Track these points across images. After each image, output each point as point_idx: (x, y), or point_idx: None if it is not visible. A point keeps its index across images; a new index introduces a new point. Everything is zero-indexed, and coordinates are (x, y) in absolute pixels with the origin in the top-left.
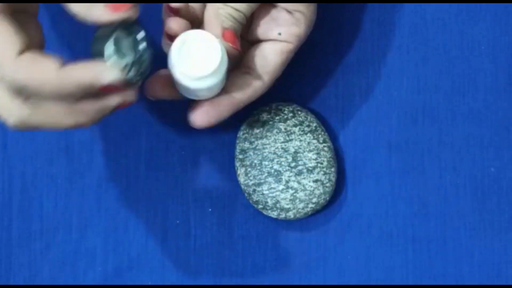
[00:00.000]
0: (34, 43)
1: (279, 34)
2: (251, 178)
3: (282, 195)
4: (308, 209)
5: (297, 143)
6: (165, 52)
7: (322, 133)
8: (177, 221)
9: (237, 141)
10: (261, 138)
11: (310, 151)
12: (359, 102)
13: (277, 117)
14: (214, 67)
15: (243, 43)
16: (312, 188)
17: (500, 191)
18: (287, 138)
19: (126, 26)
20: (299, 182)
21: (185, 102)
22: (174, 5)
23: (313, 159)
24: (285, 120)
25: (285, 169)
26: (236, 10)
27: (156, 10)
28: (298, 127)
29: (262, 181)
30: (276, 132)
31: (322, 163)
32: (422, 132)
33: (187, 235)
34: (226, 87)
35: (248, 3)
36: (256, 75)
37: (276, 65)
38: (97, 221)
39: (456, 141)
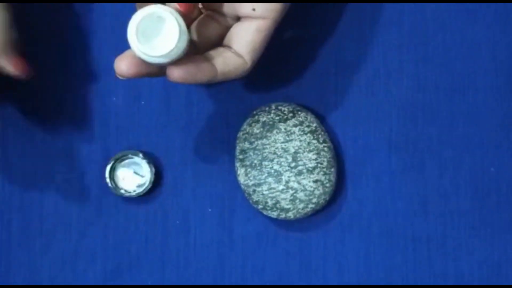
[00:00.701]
0: None
1: (253, 10)
2: (251, 178)
3: (282, 195)
4: (308, 209)
5: (297, 143)
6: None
7: (322, 133)
8: (177, 221)
9: (237, 141)
10: (261, 138)
11: (310, 151)
12: (359, 101)
13: (277, 117)
14: (172, 46)
15: (221, 18)
16: (312, 188)
17: (499, 190)
18: (287, 138)
19: None
20: (299, 182)
21: (185, 102)
22: None
23: (313, 159)
24: (285, 120)
25: (285, 169)
26: None
27: None
28: (298, 127)
29: (262, 181)
30: (276, 132)
31: (322, 163)
32: (422, 132)
33: (187, 235)
34: (209, 56)
35: None
36: (237, 53)
37: (254, 45)
38: (96, 221)
39: (456, 141)
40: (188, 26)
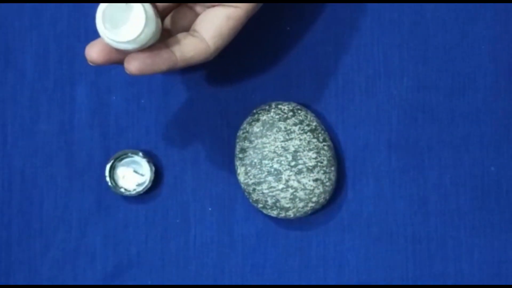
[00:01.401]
0: None
1: None
2: (251, 177)
3: (282, 194)
4: (308, 208)
5: (297, 142)
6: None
7: (322, 132)
8: (177, 220)
9: (237, 140)
10: (261, 137)
11: (310, 150)
12: (359, 101)
13: (277, 116)
14: (138, 31)
15: (198, 7)
16: (312, 187)
17: (500, 190)
18: (287, 137)
19: None
20: (299, 181)
21: (185, 100)
22: None
23: (313, 158)
24: (285, 119)
25: (285, 168)
26: None
27: None
28: (298, 126)
29: (262, 180)
30: (276, 131)
31: (322, 162)
32: (422, 132)
33: (187, 234)
34: (169, 43)
35: None
36: (201, 38)
37: (221, 30)
38: (97, 220)
39: (456, 141)
40: (164, 15)
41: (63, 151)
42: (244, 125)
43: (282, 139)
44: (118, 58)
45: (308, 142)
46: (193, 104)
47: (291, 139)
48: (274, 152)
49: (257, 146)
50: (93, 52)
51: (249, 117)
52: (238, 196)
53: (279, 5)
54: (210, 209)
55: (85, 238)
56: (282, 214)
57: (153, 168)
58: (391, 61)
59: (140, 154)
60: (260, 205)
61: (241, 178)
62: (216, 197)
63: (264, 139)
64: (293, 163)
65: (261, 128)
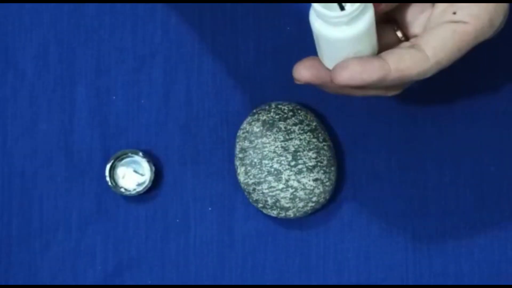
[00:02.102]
0: None
1: (454, 13)
2: (251, 177)
3: (282, 194)
4: (308, 208)
5: (297, 142)
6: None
7: (322, 132)
8: (177, 220)
9: (237, 140)
10: (261, 137)
11: (310, 150)
12: (359, 101)
13: (277, 116)
14: (355, 9)
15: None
16: (312, 187)
17: (499, 189)
18: (287, 137)
19: None
20: (299, 181)
21: (185, 100)
22: None
23: (313, 158)
24: (285, 119)
25: (285, 168)
26: None
27: None
28: (298, 126)
29: (262, 180)
30: (276, 131)
31: (322, 162)
32: (422, 132)
33: (187, 234)
34: (382, 54)
35: None
36: (420, 49)
37: (444, 42)
38: (96, 220)
39: (456, 141)
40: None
41: (63, 151)
42: (244, 125)
43: (282, 139)
44: (317, 76)
45: (308, 142)
46: (193, 104)
47: (291, 139)
48: (274, 152)
49: (257, 146)
50: (302, 67)
51: (249, 117)
52: (238, 196)
53: (279, 5)
54: (210, 209)
55: (85, 238)
56: (282, 214)
57: (153, 168)
58: None
59: (140, 154)
60: (260, 205)
61: (241, 178)
62: (216, 197)
63: (264, 139)
64: (293, 163)
65: (261, 128)
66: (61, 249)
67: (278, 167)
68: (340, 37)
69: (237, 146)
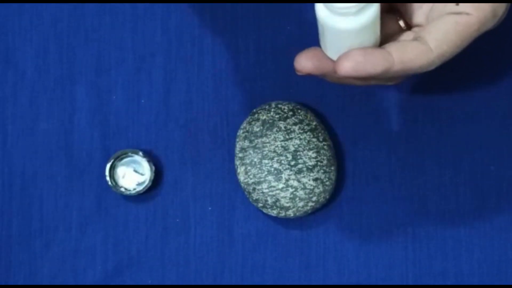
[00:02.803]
0: None
1: (457, 4)
2: (251, 176)
3: (282, 194)
4: (308, 207)
5: (297, 141)
6: None
7: (322, 131)
8: (177, 220)
9: (237, 140)
10: (261, 136)
11: (310, 149)
12: (359, 100)
13: (277, 116)
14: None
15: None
16: (312, 187)
17: (499, 189)
18: (287, 137)
19: None
20: (299, 181)
21: (185, 100)
22: None
23: (313, 158)
24: (285, 119)
25: (285, 168)
26: None
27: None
28: (298, 126)
29: (262, 179)
30: (276, 131)
31: (322, 162)
32: (422, 131)
33: (187, 233)
34: (385, 46)
35: None
36: (423, 41)
37: (446, 34)
38: (97, 220)
39: (456, 140)
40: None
41: (63, 151)
42: (244, 124)
43: (282, 138)
44: (318, 67)
45: (308, 141)
46: (193, 104)
47: (291, 138)
48: (274, 151)
49: (257, 146)
50: (303, 58)
51: (249, 117)
52: (238, 195)
53: (279, 5)
54: (210, 208)
55: (85, 238)
56: (282, 214)
57: (153, 168)
58: None
59: (140, 153)
60: (260, 205)
61: (241, 177)
62: (216, 196)
63: (264, 139)
64: (293, 163)
65: (261, 127)
66: (61, 249)
67: (278, 167)
68: (347, 27)
69: (237, 145)
